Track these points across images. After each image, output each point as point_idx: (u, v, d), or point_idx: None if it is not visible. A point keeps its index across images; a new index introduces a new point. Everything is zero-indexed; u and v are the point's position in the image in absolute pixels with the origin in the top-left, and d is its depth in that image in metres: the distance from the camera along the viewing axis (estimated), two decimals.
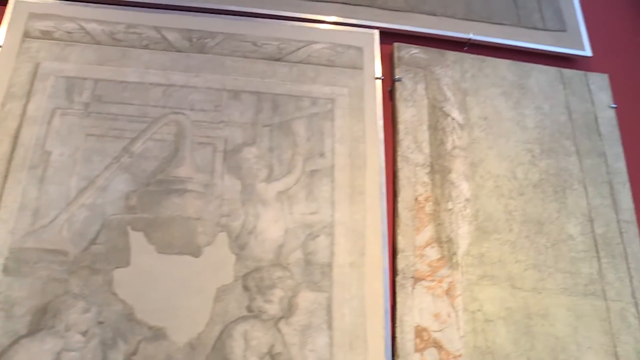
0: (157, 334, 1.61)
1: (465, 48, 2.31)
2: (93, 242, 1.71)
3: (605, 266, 1.95)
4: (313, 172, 1.90)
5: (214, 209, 1.80)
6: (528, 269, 1.89)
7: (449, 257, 1.85)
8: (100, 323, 1.61)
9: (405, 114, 2.05)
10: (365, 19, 2.25)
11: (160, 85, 1.98)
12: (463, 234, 1.89)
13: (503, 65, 2.25)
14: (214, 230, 1.77)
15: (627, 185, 2.11)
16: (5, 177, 1.76)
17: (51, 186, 1.77)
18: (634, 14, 2.71)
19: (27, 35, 1.99)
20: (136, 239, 1.73)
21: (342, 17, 2.24)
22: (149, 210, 1.77)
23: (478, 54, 2.28)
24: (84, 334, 1.59)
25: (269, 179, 1.87)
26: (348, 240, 1.81)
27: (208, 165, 1.86)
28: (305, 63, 2.08)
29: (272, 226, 1.80)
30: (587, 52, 2.40)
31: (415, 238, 1.86)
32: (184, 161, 1.85)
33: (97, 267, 1.67)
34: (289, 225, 1.81)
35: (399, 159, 1.97)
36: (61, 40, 2.00)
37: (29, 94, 1.89)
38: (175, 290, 1.68)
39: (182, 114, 1.93)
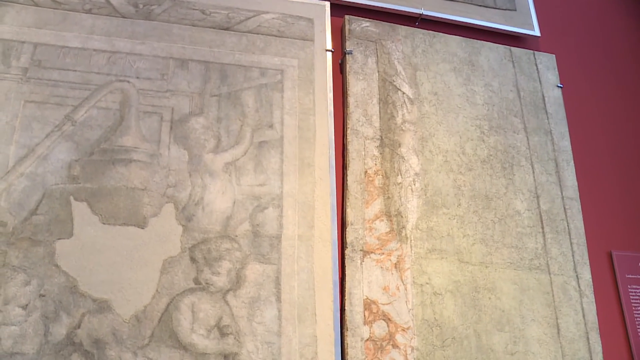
0: (102, 307, 1.57)
1: (416, 23, 2.31)
2: (33, 212, 1.64)
3: (550, 241, 1.99)
4: (262, 144, 1.87)
5: (160, 180, 1.75)
6: (476, 244, 1.92)
7: (397, 231, 1.85)
8: (42, 296, 1.55)
9: (356, 87, 2.04)
10: None
11: (104, 51, 1.91)
12: (412, 207, 1.90)
13: (454, 41, 2.26)
14: (160, 201, 1.73)
15: (572, 163, 2.16)
16: None
17: None
18: None
19: None
20: (79, 209, 1.67)
21: None
22: (93, 180, 1.72)
23: (429, 29, 2.29)
24: (24, 307, 1.53)
25: (217, 149, 1.83)
26: (297, 212, 1.79)
27: (154, 134, 1.81)
28: (254, 33, 2.04)
29: (219, 197, 1.76)
30: (536, 32, 2.44)
31: (365, 211, 1.85)
32: (129, 130, 1.80)
33: (38, 239, 1.61)
34: (237, 196, 1.78)
35: (349, 132, 1.96)
36: None
37: None
38: (121, 262, 1.63)
39: (128, 82, 1.87)
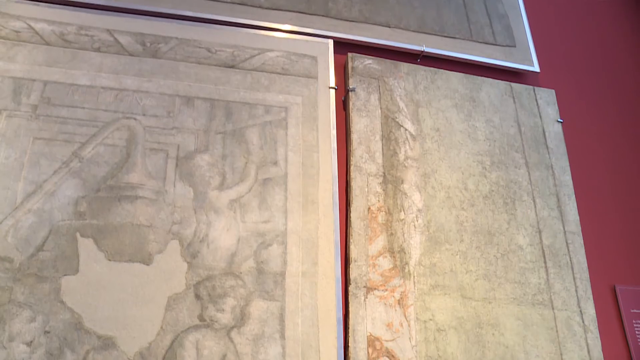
0: (107, 344, 1.57)
1: (418, 60, 2.35)
2: (40, 248, 1.66)
3: (553, 276, 2.00)
4: (266, 181, 1.89)
5: (166, 217, 1.77)
6: (479, 279, 1.92)
7: (401, 267, 1.86)
8: (47, 332, 1.56)
9: (359, 123, 2.06)
10: (320, 29, 2.26)
11: (112, 89, 1.94)
12: (415, 244, 1.91)
13: (455, 78, 2.29)
14: (166, 238, 1.74)
15: (573, 198, 2.17)
16: None
17: None
18: (580, 33, 2.80)
19: None
20: (85, 245, 1.69)
21: (297, 25, 2.24)
22: (99, 217, 1.73)
23: (431, 66, 2.32)
24: (29, 344, 1.53)
25: (222, 186, 1.85)
26: (301, 249, 1.81)
27: (160, 171, 1.84)
28: (259, 71, 2.08)
29: (224, 234, 1.78)
30: (535, 67, 2.47)
31: (368, 248, 1.86)
32: (135, 167, 1.82)
33: (44, 275, 1.62)
34: (242, 233, 1.79)
35: (352, 168, 1.98)
36: (8, 39, 1.94)
37: None
38: (126, 298, 1.64)
39: (134, 119, 1.90)
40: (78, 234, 1.70)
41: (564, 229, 2.11)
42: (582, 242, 2.11)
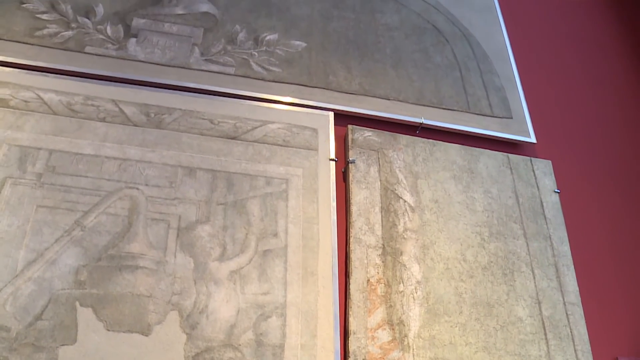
0: None
1: (417, 132, 2.39)
2: (38, 317, 1.66)
3: (553, 348, 1.99)
4: (266, 252, 1.90)
5: (166, 287, 1.77)
6: (478, 352, 1.91)
7: (400, 340, 1.85)
8: None
9: (359, 195, 2.08)
10: (321, 101, 2.32)
11: (115, 158, 1.97)
12: (414, 316, 1.90)
13: (453, 149, 2.33)
14: (165, 308, 1.74)
15: (572, 268, 2.18)
16: None
17: None
18: (576, 104, 2.86)
19: None
20: (84, 315, 1.68)
21: (298, 98, 2.30)
22: (99, 286, 1.74)
23: (429, 138, 2.36)
24: None
25: (222, 257, 1.86)
26: (300, 321, 1.80)
27: (161, 242, 1.85)
28: (261, 142, 2.11)
29: (224, 306, 1.78)
30: (532, 138, 2.51)
31: (367, 320, 1.86)
32: (136, 237, 1.84)
33: (41, 345, 1.62)
34: (241, 305, 1.79)
35: (352, 240, 1.99)
36: (17, 108, 1.99)
37: None
38: None
39: (137, 189, 1.92)
40: (77, 303, 1.70)
41: (563, 299, 2.10)
42: (582, 313, 2.10)
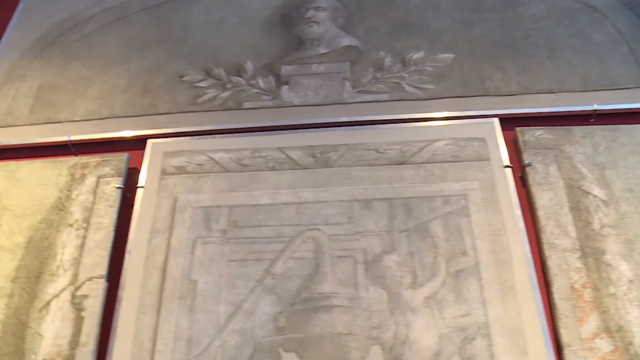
0: None
1: (591, 120, 2.22)
2: None
3: None
4: (458, 273, 1.84)
5: (364, 322, 1.77)
6: None
7: (624, 348, 1.69)
8: None
9: (543, 198, 1.97)
10: (482, 109, 2.24)
11: (291, 204, 2.03)
12: (634, 319, 1.73)
13: (638, 130, 2.13)
14: (367, 344, 1.74)
15: None
16: (159, 309, 1.85)
17: (201, 314, 1.83)
18: None
19: (164, 172, 2.14)
20: None
21: (458, 110, 2.24)
22: (298, 330, 1.78)
23: (607, 124, 2.17)
24: None
25: (414, 285, 1.83)
26: (506, 340, 1.71)
27: (351, 278, 1.86)
28: (430, 162, 2.08)
29: (425, 334, 1.74)
30: None
31: (580, 330, 1.72)
32: (326, 277, 1.86)
33: None
34: (442, 330, 1.74)
35: (545, 246, 1.88)
36: (194, 172, 2.13)
37: (171, 228, 2.01)
38: None
39: (318, 229, 1.96)
40: (281, 349, 1.75)
41: None
42: None
